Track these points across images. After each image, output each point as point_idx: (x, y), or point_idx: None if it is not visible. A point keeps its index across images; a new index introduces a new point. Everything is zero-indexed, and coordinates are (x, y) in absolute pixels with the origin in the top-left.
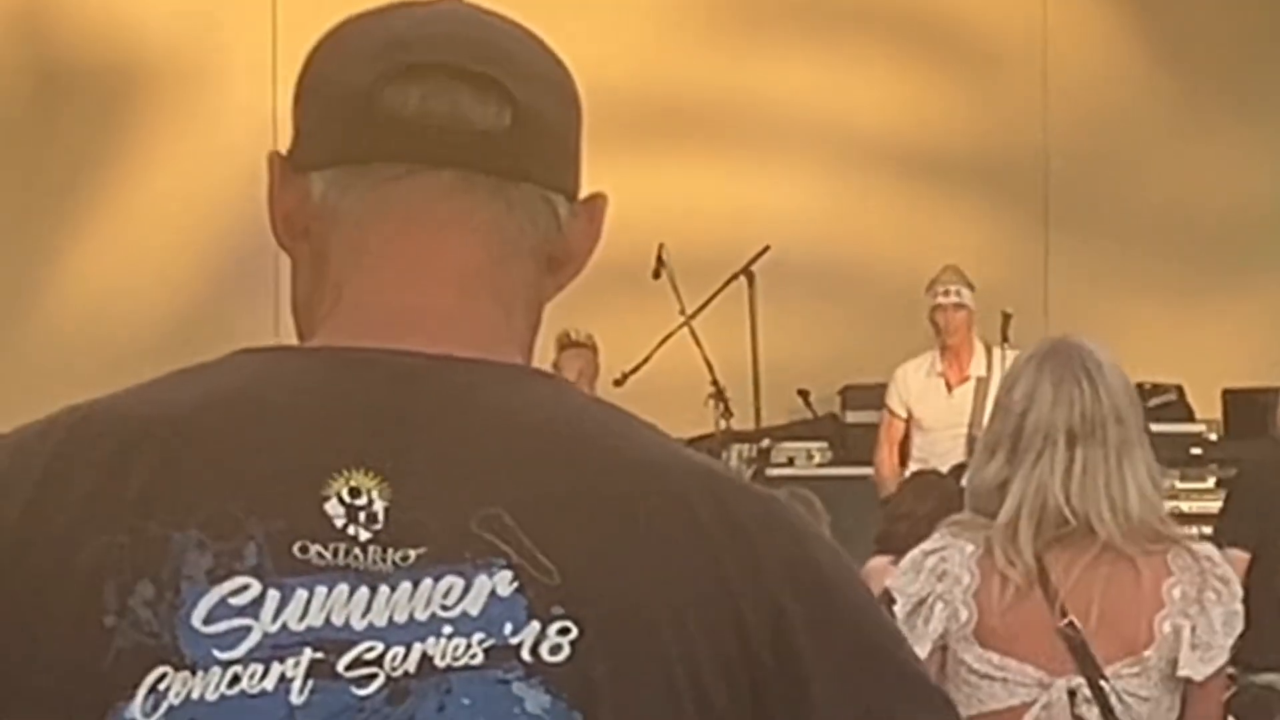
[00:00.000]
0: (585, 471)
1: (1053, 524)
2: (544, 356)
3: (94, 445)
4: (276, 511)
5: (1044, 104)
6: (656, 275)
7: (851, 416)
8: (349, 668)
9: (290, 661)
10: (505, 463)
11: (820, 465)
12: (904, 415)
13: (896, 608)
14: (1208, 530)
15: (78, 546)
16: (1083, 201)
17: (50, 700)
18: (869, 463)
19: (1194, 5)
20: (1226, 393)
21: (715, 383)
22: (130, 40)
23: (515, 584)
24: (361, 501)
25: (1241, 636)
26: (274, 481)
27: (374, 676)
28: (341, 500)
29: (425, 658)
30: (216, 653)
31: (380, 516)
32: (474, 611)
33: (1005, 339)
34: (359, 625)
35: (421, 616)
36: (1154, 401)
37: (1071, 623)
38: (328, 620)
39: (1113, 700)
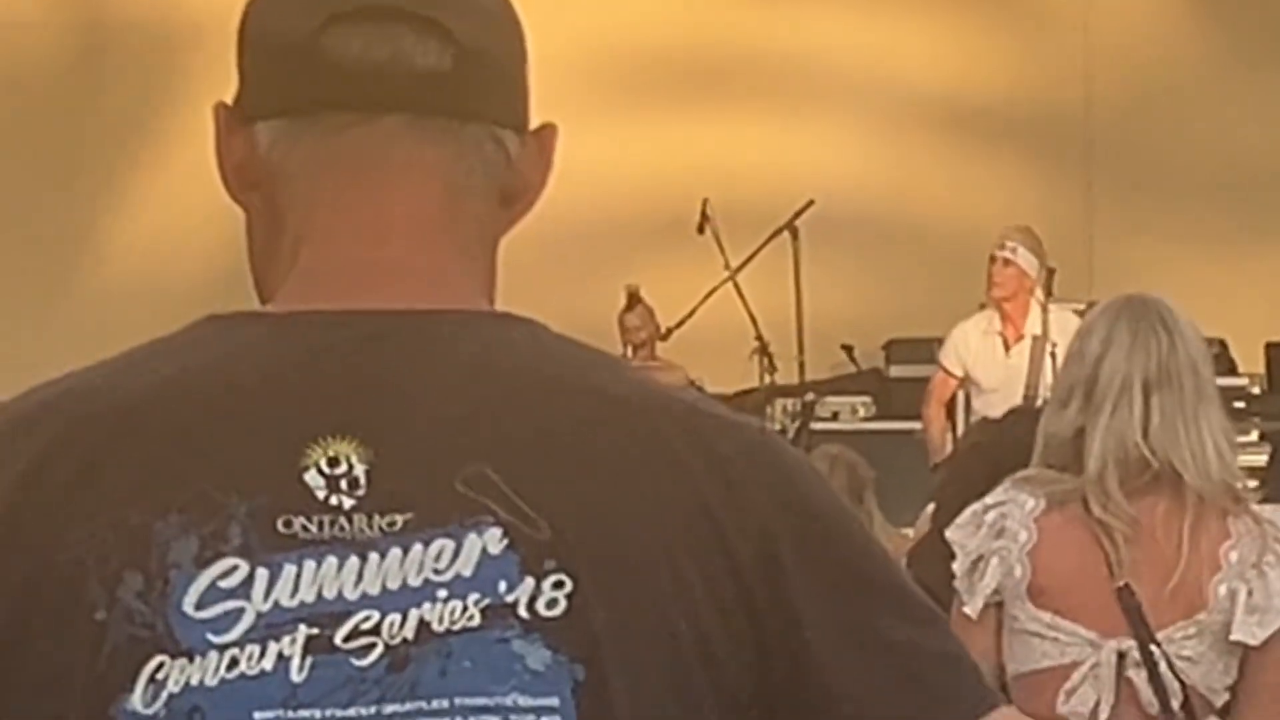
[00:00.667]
0: (567, 415)
1: (1134, 473)
2: (594, 308)
3: (68, 438)
4: (257, 488)
5: (1087, 56)
6: (701, 230)
7: (895, 371)
8: (346, 639)
9: (286, 639)
10: (484, 414)
11: (864, 420)
12: (959, 374)
13: (955, 564)
14: (1252, 484)
15: (60, 542)
16: (1126, 154)
17: (48, 698)
18: (913, 417)
19: None
20: (1270, 346)
21: (759, 337)
22: None
23: (505, 541)
24: (341, 469)
25: None
26: (251, 458)
27: (373, 646)
28: (320, 470)
29: (423, 623)
30: (212, 637)
31: (362, 481)
32: (467, 573)
33: (1049, 293)
34: (352, 596)
35: (415, 582)
36: None
37: (1127, 585)
38: (320, 594)
39: (1162, 666)
